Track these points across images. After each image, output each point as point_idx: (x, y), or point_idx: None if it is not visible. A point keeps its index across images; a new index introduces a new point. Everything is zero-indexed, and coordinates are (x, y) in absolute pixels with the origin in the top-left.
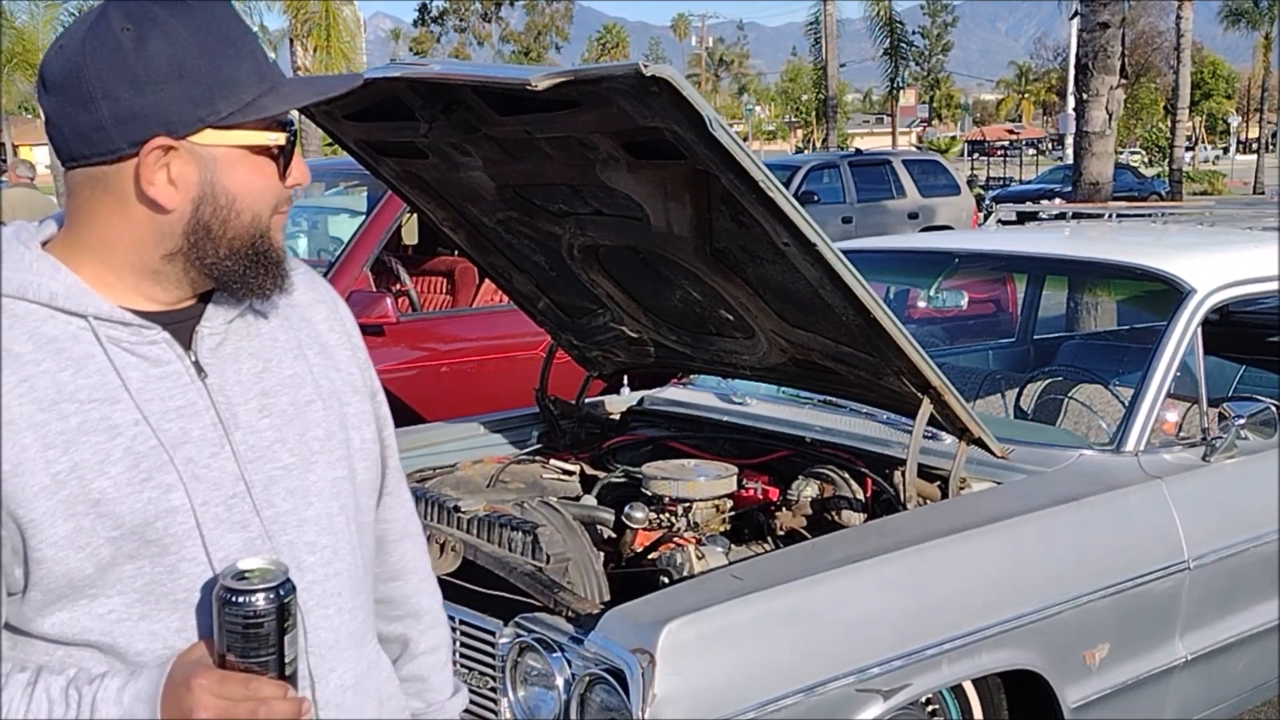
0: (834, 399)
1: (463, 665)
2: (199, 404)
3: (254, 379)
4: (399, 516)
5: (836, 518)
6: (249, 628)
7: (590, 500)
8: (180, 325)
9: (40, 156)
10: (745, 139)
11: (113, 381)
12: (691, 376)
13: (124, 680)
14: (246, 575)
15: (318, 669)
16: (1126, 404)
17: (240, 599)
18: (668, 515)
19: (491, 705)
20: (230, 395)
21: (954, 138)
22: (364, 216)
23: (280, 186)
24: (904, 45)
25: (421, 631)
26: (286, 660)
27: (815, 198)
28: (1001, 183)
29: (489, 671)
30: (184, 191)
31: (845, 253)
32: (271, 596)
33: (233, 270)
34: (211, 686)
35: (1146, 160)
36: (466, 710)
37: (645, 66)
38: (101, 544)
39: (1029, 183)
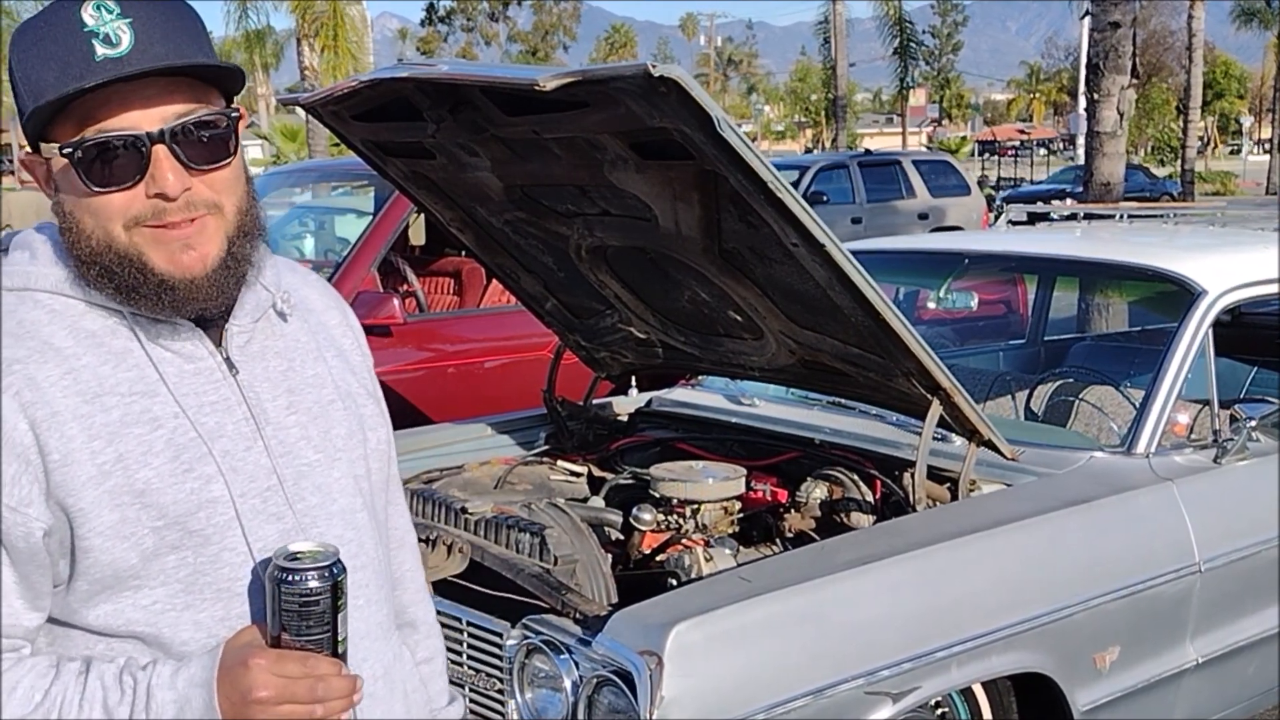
0: (843, 400)
1: (470, 667)
2: (231, 399)
3: (280, 377)
4: (397, 525)
5: (845, 519)
6: (304, 606)
7: (598, 502)
8: (210, 323)
9: None
10: (754, 139)
11: (151, 375)
12: (700, 378)
13: (175, 666)
14: (299, 556)
15: (351, 659)
16: (1137, 406)
17: (295, 578)
18: (676, 517)
19: (499, 707)
20: (259, 391)
21: (964, 138)
22: (371, 217)
23: None
24: (914, 45)
25: (417, 641)
26: (340, 639)
27: (824, 198)
28: (1012, 183)
29: (496, 673)
30: None
31: (854, 253)
32: (325, 575)
33: None
34: (270, 665)
35: (1159, 161)
36: (474, 712)
37: (653, 67)
38: (146, 534)
39: (1040, 183)
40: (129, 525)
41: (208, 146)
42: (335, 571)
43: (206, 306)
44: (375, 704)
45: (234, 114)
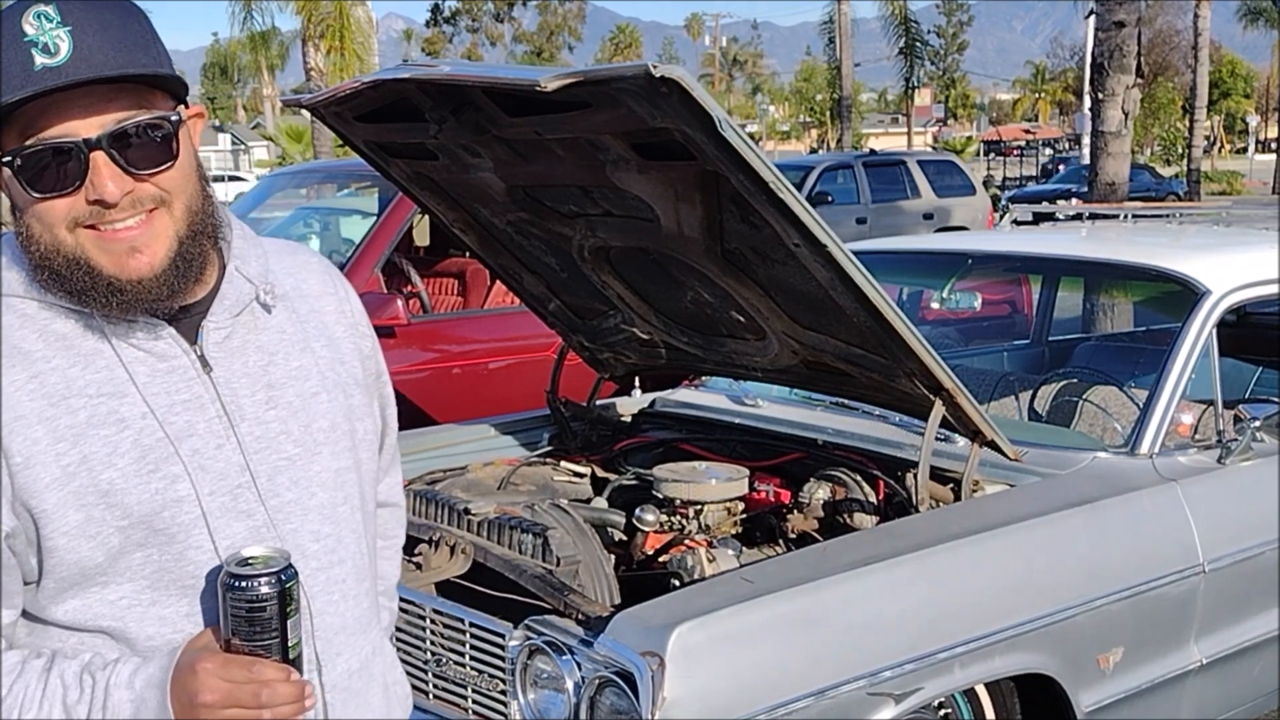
0: (846, 401)
1: (473, 668)
2: (204, 397)
3: (260, 372)
4: (385, 488)
5: (848, 520)
6: (252, 612)
7: (601, 503)
8: (188, 320)
9: None
10: (759, 139)
11: (120, 376)
12: (703, 378)
13: (136, 666)
14: (250, 562)
15: (324, 653)
16: (1141, 406)
17: (243, 584)
18: (679, 518)
19: (501, 708)
20: (236, 388)
21: (970, 138)
22: (375, 218)
23: None
24: (919, 44)
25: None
26: (290, 644)
27: (829, 198)
28: (1018, 183)
29: (499, 674)
30: None
31: (857, 254)
32: (273, 582)
33: None
34: (216, 670)
35: (1165, 161)
36: (476, 713)
37: (654, 67)
38: (111, 533)
39: (1045, 183)
40: (94, 525)
41: (149, 150)
42: (285, 578)
43: (157, 307)
44: (351, 697)
45: (175, 117)
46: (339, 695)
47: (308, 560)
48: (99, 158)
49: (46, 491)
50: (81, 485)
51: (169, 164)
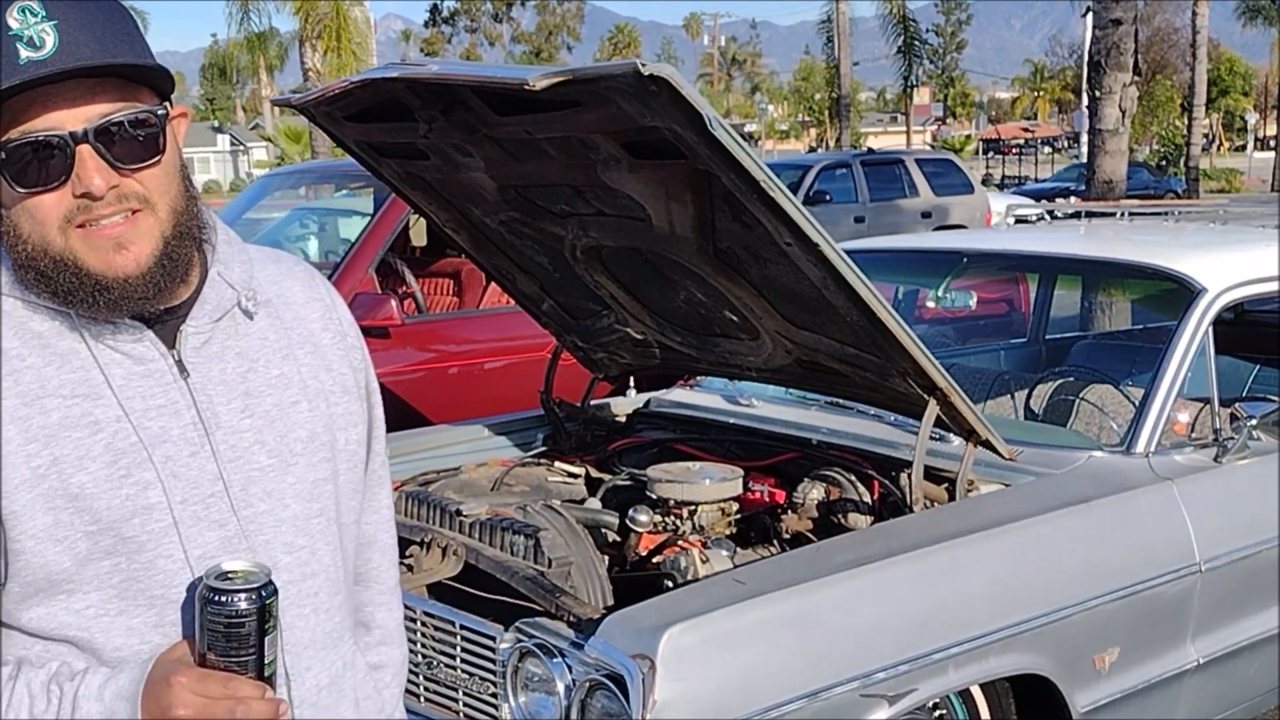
0: (840, 400)
1: (464, 670)
2: (180, 403)
3: (238, 379)
4: (369, 522)
5: (843, 520)
6: (230, 628)
7: (595, 503)
8: (167, 324)
9: None
10: (758, 138)
11: (96, 378)
12: (698, 378)
13: (105, 677)
14: (230, 576)
15: (294, 667)
16: (1137, 405)
17: (222, 599)
18: (673, 518)
19: (492, 710)
20: (212, 395)
21: (968, 136)
22: (369, 218)
23: None
24: (918, 43)
25: (369, 645)
26: (266, 661)
27: (828, 197)
28: (1017, 181)
29: (490, 677)
30: None
31: (852, 253)
32: (253, 598)
33: None
34: (191, 684)
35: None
36: (468, 716)
37: (643, 65)
38: (79, 538)
39: (1044, 181)
40: (62, 529)
41: (135, 145)
42: (264, 594)
43: (143, 307)
44: (321, 713)
45: (162, 112)
46: (307, 711)
47: (279, 572)
48: (84, 151)
49: (16, 493)
50: (51, 488)
51: (155, 159)
